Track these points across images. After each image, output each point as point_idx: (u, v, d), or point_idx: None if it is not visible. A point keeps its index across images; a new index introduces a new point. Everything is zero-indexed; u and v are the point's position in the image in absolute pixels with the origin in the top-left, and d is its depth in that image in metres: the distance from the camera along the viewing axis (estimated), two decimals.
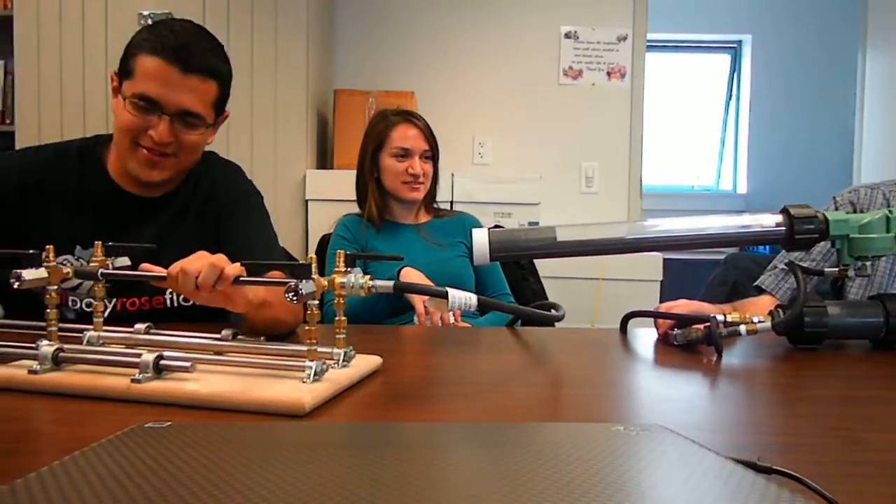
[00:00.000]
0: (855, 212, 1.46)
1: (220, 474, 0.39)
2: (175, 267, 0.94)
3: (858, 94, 3.66)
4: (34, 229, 1.28)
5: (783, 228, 1.08)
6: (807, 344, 1.14)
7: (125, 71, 1.24)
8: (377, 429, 0.56)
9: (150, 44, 1.21)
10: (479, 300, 0.87)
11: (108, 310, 1.31)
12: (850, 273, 1.09)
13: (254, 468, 0.41)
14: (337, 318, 0.86)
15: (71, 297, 1.30)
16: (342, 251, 0.86)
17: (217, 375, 0.80)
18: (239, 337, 0.96)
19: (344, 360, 0.86)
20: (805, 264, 1.48)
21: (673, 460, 0.43)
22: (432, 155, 1.91)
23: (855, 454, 0.66)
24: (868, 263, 1.08)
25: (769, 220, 1.10)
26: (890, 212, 1.09)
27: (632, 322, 1.30)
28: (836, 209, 1.53)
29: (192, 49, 1.22)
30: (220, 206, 1.38)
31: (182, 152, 1.28)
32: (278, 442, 0.48)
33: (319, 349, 0.82)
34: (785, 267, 1.49)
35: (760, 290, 1.51)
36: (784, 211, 1.09)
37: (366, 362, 0.90)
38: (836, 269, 1.11)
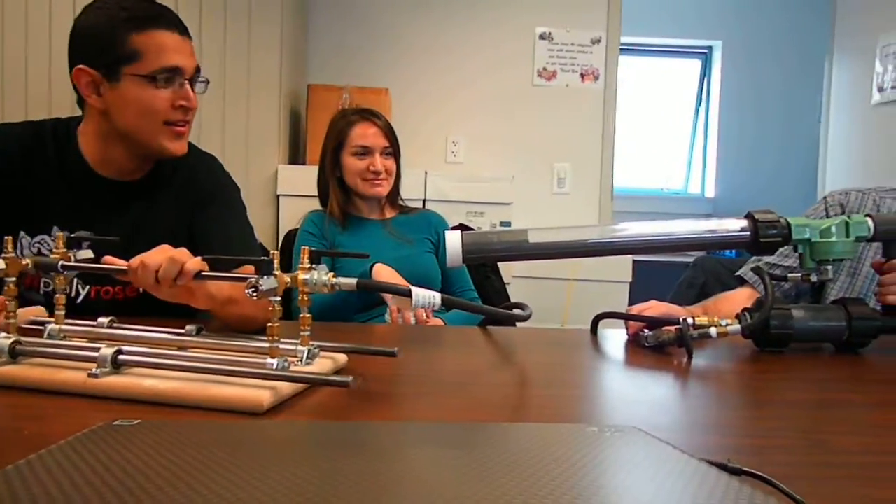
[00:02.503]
0: (843, 213, 1.48)
1: (192, 472, 0.39)
2: (135, 260, 0.93)
3: (825, 100, 3.73)
4: (12, 206, 1.25)
5: (748, 233, 1.10)
6: (773, 347, 1.15)
7: (122, 57, 1.19)
8: (349, 427, 0.55)
9: (137, 21, 1.19)
10: (442, 299, 0.87)
11: (82, 297, 1.30)
12: (813, 278, 1.12)
13: (227, 466, 0.40)
14: (301, 315, 0.85)
15: (44, 279, 1.27)
16: (306, 248, 0.85)
17: (177, 371, 0.79)
18: (203, 332, 0.95)
19: (308, 358, 0.85)
20: (790, 262, 1.50)
21: (647, 462, 0.43)
22: (393, 151, 1.92)
23: (822, 456, 0.67)
24: (829, 268, 1.11)
25: (735, 225, 1.12)
26: (849, 217, 1.12)
27: (601, 323, 1.31)
28: (826, 210, 1.54)
29: (172, 12, 1.24)
30: (197, 195, 1.36)
31: (193, 116, 1.29)
32: (250, 440, 0.47)
33: (283, 346, 0.81)
34: (770, 261, 1.51)
35: (742, 281, 1.52)
36: (749, 216, 1.12)
37: (331, 360, 0.89)
38: (799, 274, 1.14)
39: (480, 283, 2.03)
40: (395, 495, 0.36)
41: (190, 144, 1.44)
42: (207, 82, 1.30)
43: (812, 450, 0.69)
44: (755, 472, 0.50)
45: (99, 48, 1.21)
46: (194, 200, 1.36)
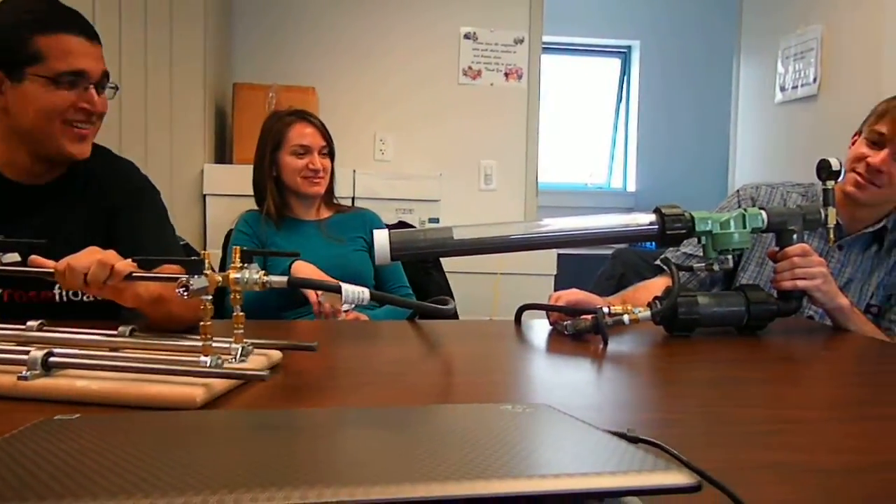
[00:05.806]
0: (754, 206, 1.58)
1: (135, 461, 0.41)
2: (63, 263, 0.93)
3: (733, 98, 3.93)
4: None
5: (656, 226, 1.19)
6: (681, 331, 1.24)
7: (25, 57, 1.20)
8: (281, 415, 0.58)
9: (42, 23, 1.20)
10: (371, 294, 0.91)
11: None
12: (716, 267, 1.21)
13: (168, 453, 0.42)
14: (235, 314, 0.87)
15: None
16: (237, 247, 0.88)
17: (110, 372, 0.79)
18: (136, 333, 0.96)
19: (241, 355, 0.87)
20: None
21: (554, 433, 0.49)
22: (329, 151, 1.97)
23: (717, 426, 0.74)
24: (729, 257, 1.20)
25: (645, 219, 1.20)
26: (745, 210, 1.22)
27: (526, 314, 1.38)
28: (739, 202, 1.63)
29: (81, 17, 1.25)
30: (114, 201, 1.36)
31: (99, 120, 1.30)
32: (189, 428, 0.50)
33: (216, 344, 0.83)
34: (686, 251, 1.60)
35: (662, 269, 1.60)
36: (657, 211, 1.20)
37: (265, 357, 0.91)
38: (703, 264, 1.23)
39: (421, 280, 2.08)
40: (324, 470, 0.40)
41: (106, 150, 1.44)
42: (116, 88, 1.32)
43: (710, 421, 0.76)
44: (651, 439, 0.56)
45: (2, 47, 1.22)
46: (112, 206, 1.35)
